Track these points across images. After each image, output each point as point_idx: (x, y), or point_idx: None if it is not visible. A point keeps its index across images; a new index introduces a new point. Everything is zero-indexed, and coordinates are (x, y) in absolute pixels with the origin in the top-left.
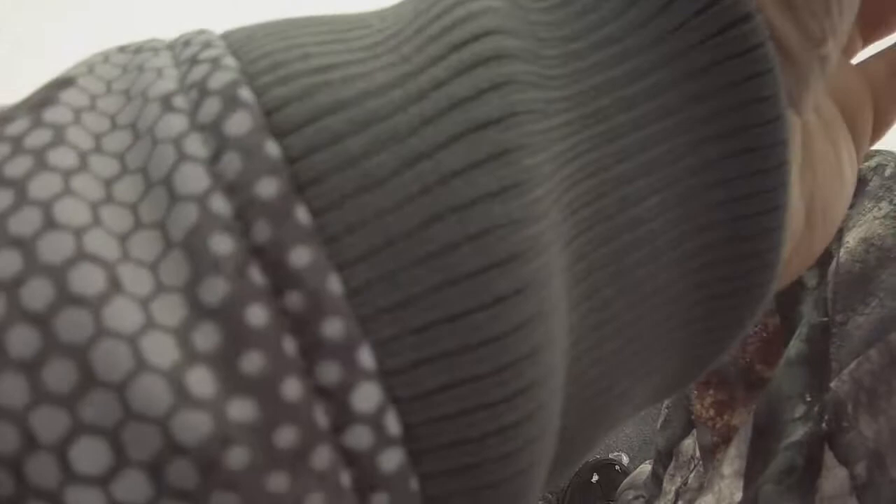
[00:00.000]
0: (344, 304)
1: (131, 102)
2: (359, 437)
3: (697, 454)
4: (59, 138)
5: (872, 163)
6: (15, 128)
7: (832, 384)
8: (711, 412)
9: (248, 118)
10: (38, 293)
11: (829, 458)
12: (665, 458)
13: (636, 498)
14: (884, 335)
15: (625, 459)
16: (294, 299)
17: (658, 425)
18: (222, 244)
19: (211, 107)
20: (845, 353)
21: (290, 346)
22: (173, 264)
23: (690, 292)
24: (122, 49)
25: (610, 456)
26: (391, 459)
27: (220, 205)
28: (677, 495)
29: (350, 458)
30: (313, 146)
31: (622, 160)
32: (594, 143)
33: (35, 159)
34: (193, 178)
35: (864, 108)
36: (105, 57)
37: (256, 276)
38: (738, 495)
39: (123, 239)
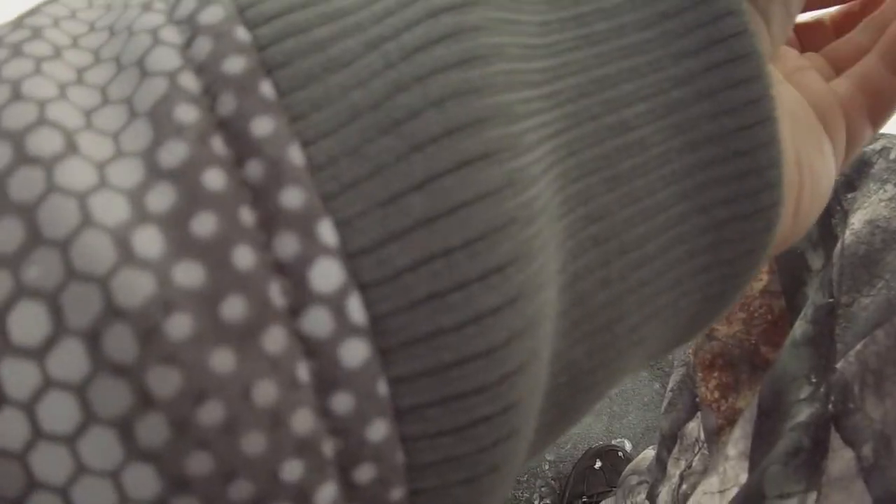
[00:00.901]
0: (305, 176)
1: (111, 11)
2: (317, 322)
3: (702, 437)
4: (36, 35)
5: (878, 145)
6: None
7: (838, 365)
8: (716, 394)
9: (221, 11)
10: None
11: (835, 439)
12: (669, 441)
13: (640, 483)
14: (890, 316)
15: (628, 446)
16: (254, 168)
17: (662, 408)
18: (187, 113)
19: (188, 5)
20: (851, 334)
21: (247, 215)
22: (136, 132)
23: (695, 216)
24: None
25: (613, 442)
26: (355, 352)
27: (189, 81)
28: (682, 478)
29: (308, 346)
30: (282, 34)
31: (605, 63)
32: (574, 44)
33: (11, 50)
34: (165, 58)
35: (835, 113)
36: None
37: (218, 145)
38: (744, 476)
39: (88, 113)
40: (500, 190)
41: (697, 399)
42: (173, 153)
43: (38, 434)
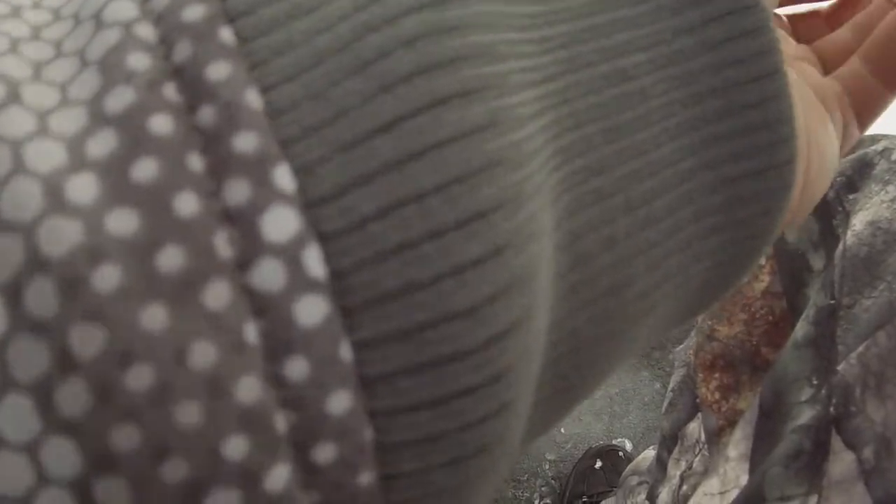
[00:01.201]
0: (261, 120)
1: None
2: (269, 275)
3: (702, 438)
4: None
5: (879, 146)
6: None
7: (839, 367)
8: (717, 395)
9: None
10: None
11: (836, 442)
12: (670, 441)
13: (640, 483)
14: (891, 318)
15: (628, 446)
16: (207, 114)
17: (663, 409)
18: (139, 61)
19: None
20: (852, 336)
21: (195, 161)
22: (84, 80)
23: (702, 172)
24: None
25: (613, 442)
26: (312, 310)
27: (146, 31)
28: (682, 479)
29: (257, 303)
30: None
31: (596, 13)
32: None
33: None
34: (122, 10)
35: (832, 103)
36: None
37: (171, 92)
38: (744, 478)
39: (38, 66)
40: (481, 129)
41: (698, 400)
42: (119, 99)
43: None
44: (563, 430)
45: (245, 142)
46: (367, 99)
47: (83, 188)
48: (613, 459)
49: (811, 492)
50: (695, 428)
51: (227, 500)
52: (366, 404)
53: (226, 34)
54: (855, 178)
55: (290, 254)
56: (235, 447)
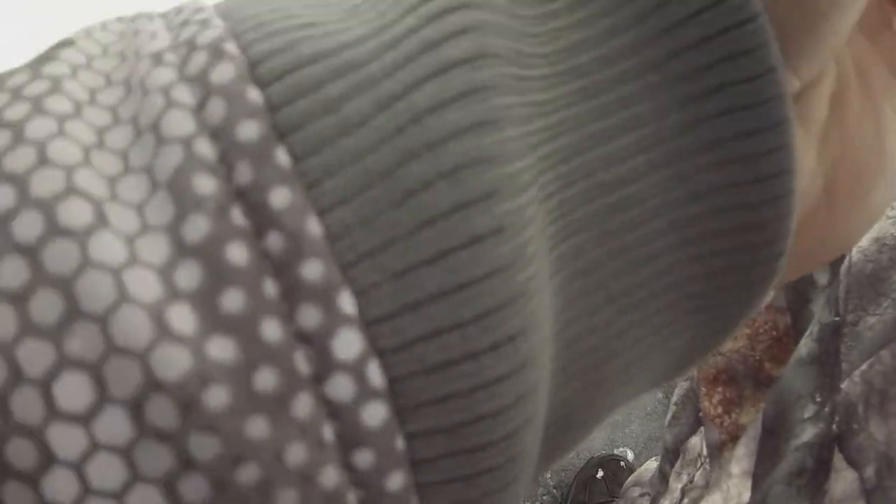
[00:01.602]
0: (324, 247)
1: (125, 62)
2: (340, 387)
3: (704, 452)
4: (56, 88)
5: None
6: (15, 80)
7: (843, 385)
8: (720, 410)
9: (232, 68)
10: (28, 225)
11: (838, 460)
12: (672, 455)
13: (642, 495)
14: None
15: (630, 455)
16: (274, 240)
17: (665, 422)
18: (205, 184)
19: (198, 60)
20: (856, 354)
21: (271, 288)
22: (158, 204)
23: (690, 264)
24: (119, 18)
25: (615, 452)
26: (375, 413)
27: (205, 148)
28: (683, 493)
29: (332, 409)
30: (294, 93)
31: (602, 117)
32: (572, 98)
33: (32, 105)
34: (179, 123)
35: None
36: (103, 25)
37: (238, 216)
38: (746, 495)
39: (112, 181)
40: (510, 265)
41: (701, 414)
42: (196, 228)
43: (87, 491)
44: None
45: (312, 270)
46: (413, 231)
47: (183, 319)
48: (615, 469)
49: None
50: (697, 442)
51: None
52: (414, 480)
53: (281, 155)
54: None
55: (356, 369)
56: None
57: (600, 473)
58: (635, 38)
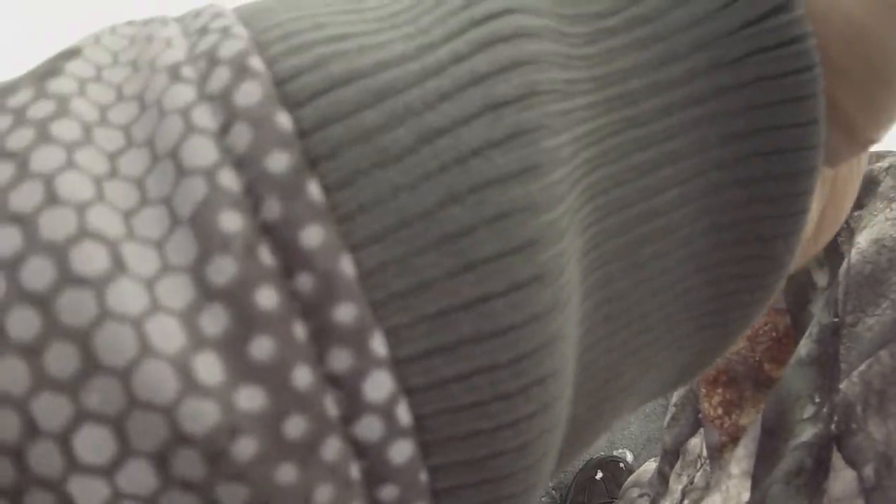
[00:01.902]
0: (357, 288)
1: (138, 73)
2: (369, 428)
3: (704, 453)
4: (62, 110)
5: (885, 163)
6: (18, 99)
7: (842, 385)
8: (719, 411)
9: (258, 88)
10: (38, 273)
11: (837, 459)
12: (671, 456)
13: (641, 496)
14: (895, 337)
15: (629, 457)
16: (305, 281)
17: (665, 423)
18: (231, 221)
19: (220, 76)
20: (855, 354)
21: (300, 331)
22: (180, 242)
23: (702, 288)
24: (130, 22)
25: (614, 453)
26: (401, 451)
27: (230, 179)
28: (683, 494)
29: (360, 449)
30: (326, 118)
31: (646, 147)
32: (618, 126)
33: (37, 131)
34: (202, 152)
35: None
36: (112, 29)
37: (266, 256)
38: (746, 495)
39: (128, 215)
40: (548, 312)
41: (700, 415)
42: (222, 271)
43: None
44: None
45: (344, 313)
46: (451, 275)
47: (210, 369)
48: (614, 470)
49: None
50: (697, 443)
51: None
52: None
53: (313, 189)
54: (860, 194)
55: (385, 409)
56: None
57: (599, 475)
58: (690, 67)
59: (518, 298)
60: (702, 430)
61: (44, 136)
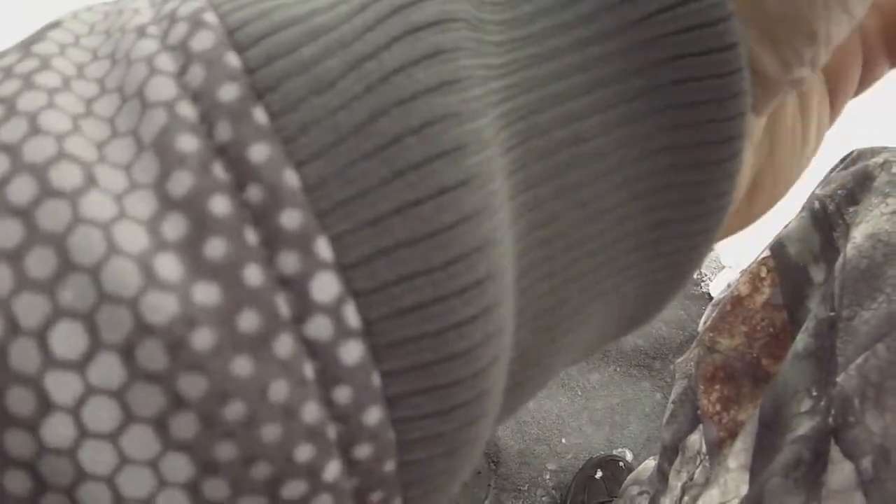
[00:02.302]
0: (301, 198)
1: (110, 38)
2: (319, 328)
3: (703, 449)
4: (45, 65)
5: (880, 159)
6: (6, 60)
7: (839, 379)
8: (718, 407)
9: (211, 36)
10: (21, 189)
11: (835, 452)
12: (671, 453)
13: (641, 493)
14: (891, 330)
15: (629, 456)
16: (254, 192)
17: (664, 420)
18: (188, 143)
19: (179, 30)
20: (852, 348)
21: (251, 236)
22: (145, 164)
23: (642, 216)
24: (104, 2)
25: (614, 452)
26: (352, 352)
27: (187, 110)
28: (683, 490)
29: (312, 348)
30: (269, 56)
31: (557, 79)
32: (530, 61)
33: (23, 81)
34: (163, 88)
35: (854, 65)
36: (88, 7)
37: (220, 171)
38: (744, 488)
39: (100, 146)
40: (477, 214)
41: (699, 411)
42: (180, 184)
43: (84, 434)
44: (563, 441)
45: (290, 219)
46: (383, 182)
47: (169, 267)
48: (614, 469)
49: (810, 501)
50: (696, 439)
51: (297, 488)
52: (390, 415)
53: (259, 114)
54: (855, 190)
55: (334, 311)
56: (303, 453)
57: (599, 474)
58: (592, 6)
59: (446, 201)
60: (700, 426)
61: (28, 84)
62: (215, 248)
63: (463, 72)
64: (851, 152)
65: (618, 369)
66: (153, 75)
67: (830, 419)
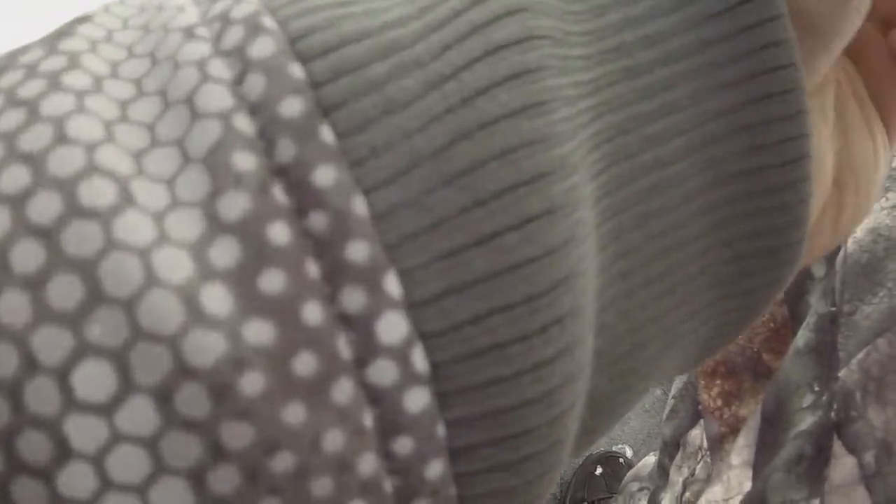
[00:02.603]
0: (370, 228)
1: (149, 35)
2: (383, 372)
3: (705, 445)
4: (73, 63)
5: None
6: (29, 57)
7: (840, 374)
8: (719, 402)
9: (271, 42)
10: (45, 206)
11: (837, 447)
12: (672, 448)
13: (641, 489)
14: (892, 325)
15: (628, 452)
16: (318, 220)
17: (664, 416)
18: (245, 160)
19: (235, 34)
20: (853, 343)
21: (312, 268)
22: (191, 179)
23: (719, 249)
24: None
25: (613, 448)
26: (417, 400)
27: (244, 123)
28: (685, 486)
29: (373, 395)
30: (337, 71)
31: (645, 97)
32: (616, 77)
33: (48, 81)
34: (217, 97)
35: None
36: (121, 0)
37: (279, 194)
38: (747, 484)
39: (138, 156)
40: (562, 246)
41: (700, 407)
42: (234, 206)
43: (107, 485)
44: None
45: (357, 251)
46: (463, 211)
47: (218, 300)
48: (613, 466)
49: (813, 496)
50: (697, 435)
51: None
52: (453, 469)
53: (325, 133)
54: None
55: (400, 353)
56: None
57: (599, 470)
58: (677, 21)
59: (531, 231)
60: (702, 421)
61: (55, 85)
62: (272, 281)
63: (549, 93)
64: None
65: None
66: (205, 81)
67: (832, 414)
